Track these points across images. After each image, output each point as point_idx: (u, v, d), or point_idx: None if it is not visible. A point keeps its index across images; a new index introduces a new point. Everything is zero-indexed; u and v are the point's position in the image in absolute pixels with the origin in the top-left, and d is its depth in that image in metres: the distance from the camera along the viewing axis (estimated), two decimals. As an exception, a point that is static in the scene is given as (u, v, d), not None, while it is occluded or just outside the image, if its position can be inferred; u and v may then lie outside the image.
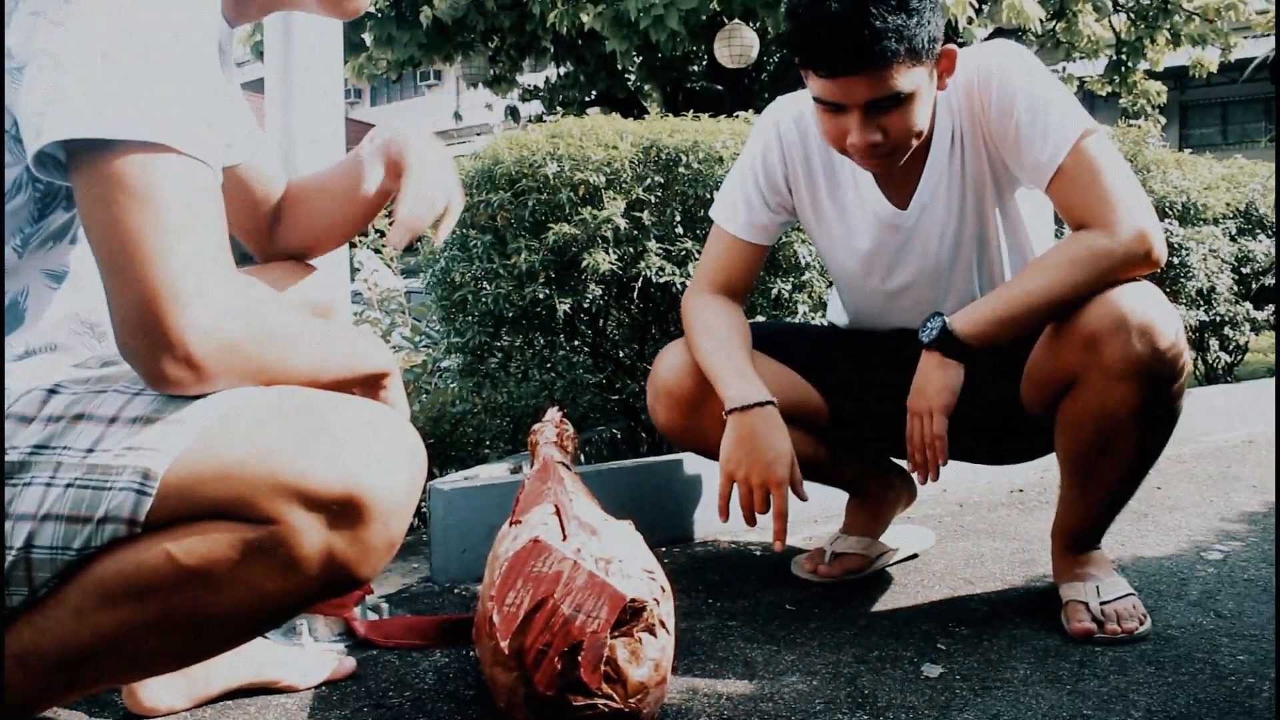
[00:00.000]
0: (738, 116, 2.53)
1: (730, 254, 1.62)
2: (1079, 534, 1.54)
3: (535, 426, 1.64)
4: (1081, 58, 8.73)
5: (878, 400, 1.61)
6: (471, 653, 1.43)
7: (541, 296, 2.18)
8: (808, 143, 1.57)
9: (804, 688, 1.30)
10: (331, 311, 1.26)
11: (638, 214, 2.18)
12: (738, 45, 7.01)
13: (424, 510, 1.84)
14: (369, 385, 1.03)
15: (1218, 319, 3.50)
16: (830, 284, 1.92)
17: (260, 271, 1.20)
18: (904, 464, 1.56)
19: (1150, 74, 9.30)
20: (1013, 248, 1.57)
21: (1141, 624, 1.44)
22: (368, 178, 1.14)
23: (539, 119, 9.40)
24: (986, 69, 1.44)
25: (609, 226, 2.12)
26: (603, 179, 2.17)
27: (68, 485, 0.80)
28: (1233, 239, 3.51)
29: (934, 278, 1.57)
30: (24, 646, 0.82)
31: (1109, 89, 9.40)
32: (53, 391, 0.85)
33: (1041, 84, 1.41)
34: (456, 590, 1.75)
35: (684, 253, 2.20)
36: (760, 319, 2.28)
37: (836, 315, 1.80)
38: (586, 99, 9.28)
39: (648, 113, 7.76)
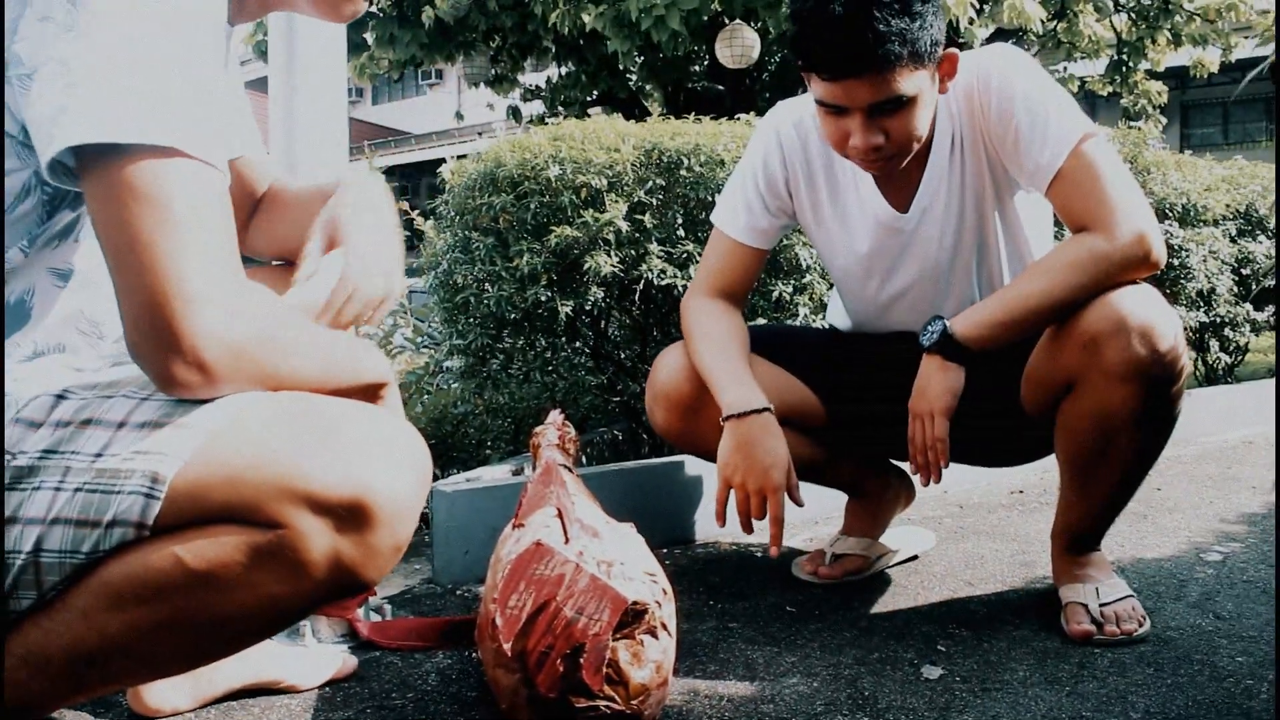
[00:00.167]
0: (739, 119, 2.54)
1: (730, 258, 1.63)
2: (1079, 535, 1.55)
3: (537, 429, 1.65)
4: (1082, 58, 8.72)
5: (878, 403, 1.62)
6: (474, 654, 1.44)
7: (543, 299, 2.19)
8: (808, 147, 1.58)
9: (805, 689, 1.31)
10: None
11: (639, 216, 2.18)
12: (739, 45, 7.01)
13: (426, 512, 1.85)
14: (367, 394, 1.04)
15: (1218, 320, 3.50)
16: (831, 286, 1.92)
17: (259, 274, 1.20)
18: (905, 466, 1.56)
19: (1151, 74, 9.30)
20: (1012, 251, 1.57)
21: (1141, 626, 1.45)
22: (306, 255, 1.06)
23: (540, 119, 9.40)
24: (986, 73, 1.44)
25: (611, 229, 2.13)
26: (605, 182, 2.18)
27: (76, 489, 0.80)
28: (1233, 240, 3.52)
29: (934, 280, 1.58)
30: (31, 648, 0.82)
31: (1110, 89, 9.39)
32: (61, 397, 0.86)
33: (1041, 88, 1.42)
34: (459, 591, 1.75)
35: (685, 255, 2.21)
36: (761, 321, 2.29)
37: (836, 317, 1.81)
38: (588, 99, 9.28)
39: (649, 113, 7.77)
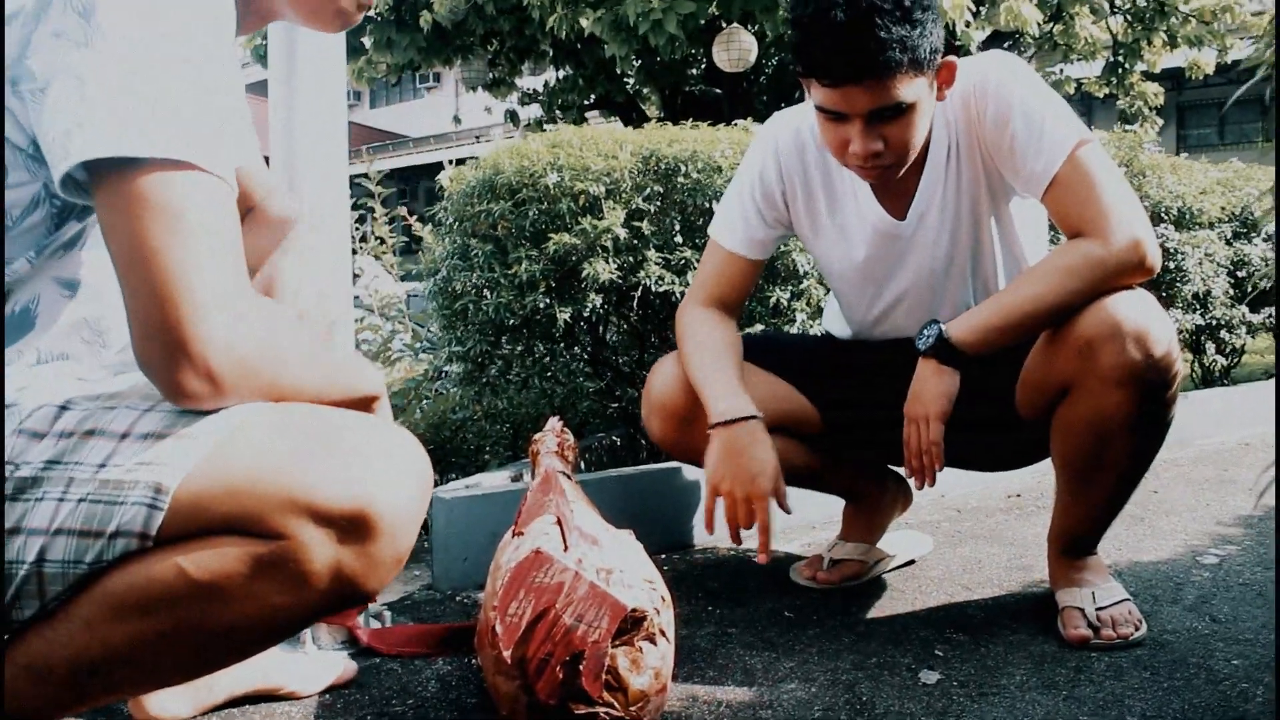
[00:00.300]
0: (737, 125, 2.55)
1: (726, 268, 1.64)
2: (1075, 539, 1.55)
3: (536, 436, 1.66)
4: (1079, 60, 8.74)
5: (874, 408, 1.63)
6: (473, 661, 1.44)
7: (542, 305, 2.20)
8: (805, 158, 1.59)
9: (803, 695, 1.31)
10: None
11: (637, 223, 2.19)
12: (736, 49, 7.03)
13: (426, 518, 1.85)
14: (360, 407, 1.05)
15: (1214, 322, 3.51)
16: (829, 291, 1.93)
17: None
18: (901, 470, 1.57)
19: (1147, 75, 9.31)
20: (1007, 256, 1.58)
21: (1137, 629, 1.46)
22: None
23: (538, 122, 9.42)
24: (983, 80, 1.45)
25: (609, 236, 2.14)
26: (603, 189, 2.19)
27: (80, 500, 0.81)
28: (1228, 243, 3.53)
29: (929, 286, 1.59)
30: (34, 658, 0.83)
31: (1106, 91, 9.41)
32: (64, 408, 0.86)
33: (1037, 95, 1.43)
34: (458, 598, 1.76)
35: (683, 262, 2.21)
36: (758, 327, 2.30)
37: (832, 323, 1.81)
38: (585, 103, 9.30)
39: (646, 117, 7.78)
